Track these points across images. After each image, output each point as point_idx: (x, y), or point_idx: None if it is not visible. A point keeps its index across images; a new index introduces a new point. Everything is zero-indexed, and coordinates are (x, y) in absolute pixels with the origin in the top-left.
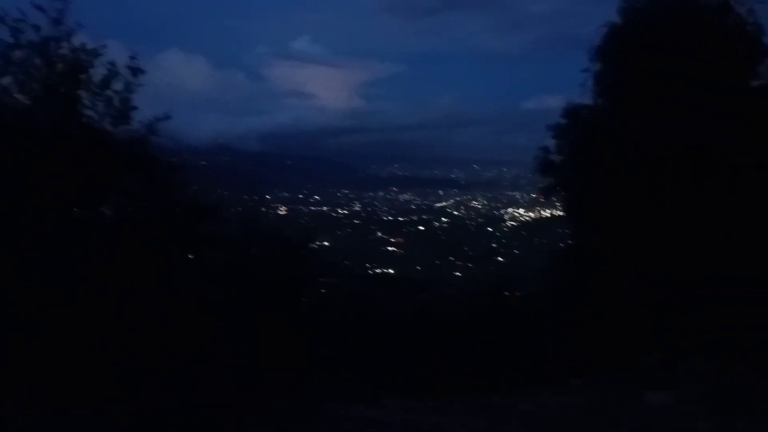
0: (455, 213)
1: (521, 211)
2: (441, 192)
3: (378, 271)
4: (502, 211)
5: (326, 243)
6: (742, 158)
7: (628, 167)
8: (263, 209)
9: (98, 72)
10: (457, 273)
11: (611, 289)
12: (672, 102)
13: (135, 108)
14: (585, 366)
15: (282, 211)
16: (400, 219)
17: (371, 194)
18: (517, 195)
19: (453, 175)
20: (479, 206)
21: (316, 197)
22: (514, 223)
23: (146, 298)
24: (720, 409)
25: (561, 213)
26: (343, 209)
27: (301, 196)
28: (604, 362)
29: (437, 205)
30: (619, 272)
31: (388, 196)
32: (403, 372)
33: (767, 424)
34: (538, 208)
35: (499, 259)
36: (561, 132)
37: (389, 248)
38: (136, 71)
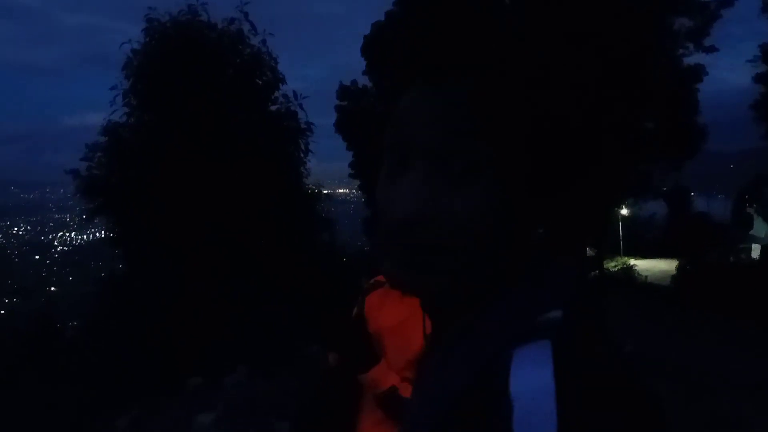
0: None
1: (73, 234)
2: None
3: None
4: (51, 237)
5: None
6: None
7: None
8: None
9: None
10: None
11: (160, 311)
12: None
13: None
14: (135, 394)
15: None
16: None
17: None
18: (67, 217)
19: None
20: (22, 233)
21: None
22: (66, 248)
23: None
24: (262, 412)
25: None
26: None
27: None
28: (152, 388)
29: None
30: (166, 295)
31: None
32: None
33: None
34: (93, 230)
35: (52, 289)
36: (104, 150)
37: None
38: None
